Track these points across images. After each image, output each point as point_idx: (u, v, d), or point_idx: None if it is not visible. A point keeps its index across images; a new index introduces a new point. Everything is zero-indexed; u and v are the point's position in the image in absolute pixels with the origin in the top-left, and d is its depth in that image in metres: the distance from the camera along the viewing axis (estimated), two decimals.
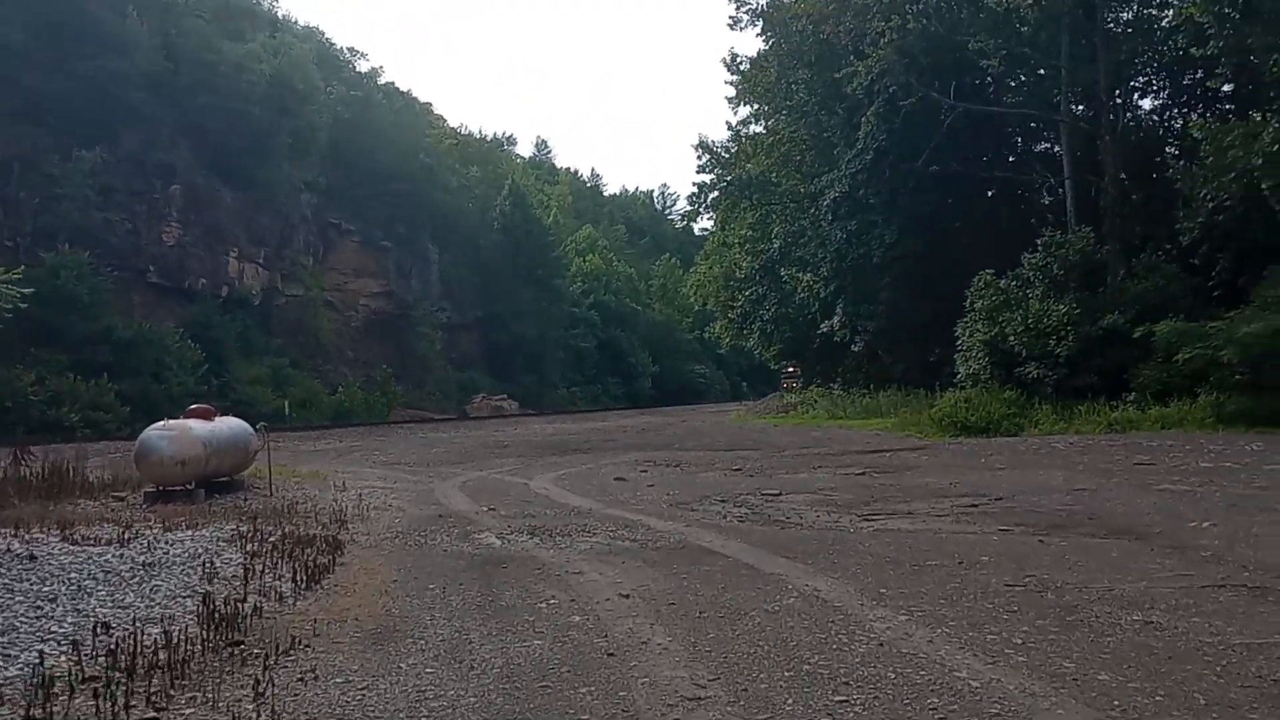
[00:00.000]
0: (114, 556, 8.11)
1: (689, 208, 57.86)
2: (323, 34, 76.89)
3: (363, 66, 78.51)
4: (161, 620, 6.28)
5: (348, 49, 79.95)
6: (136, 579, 7.40)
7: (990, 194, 38.93)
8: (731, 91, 49.38)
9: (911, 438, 24.66)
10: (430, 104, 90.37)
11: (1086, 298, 26.40)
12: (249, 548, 9.00)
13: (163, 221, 48.75)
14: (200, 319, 47.92)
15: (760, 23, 42.69)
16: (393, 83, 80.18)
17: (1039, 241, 28.39)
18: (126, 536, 9.22)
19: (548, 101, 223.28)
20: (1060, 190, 33.61)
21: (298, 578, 7.67)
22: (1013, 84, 37.68)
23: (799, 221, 45.85)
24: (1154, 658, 5.25)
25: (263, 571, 7.98)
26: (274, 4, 71.11)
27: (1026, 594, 6.82)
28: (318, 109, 60.79)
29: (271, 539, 9.53)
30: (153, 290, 48.03)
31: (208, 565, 8.07)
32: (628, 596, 6.98)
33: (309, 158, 59.44)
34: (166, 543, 9.09)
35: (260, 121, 53.03)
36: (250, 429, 15.30)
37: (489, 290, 76.40)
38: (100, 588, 7.01)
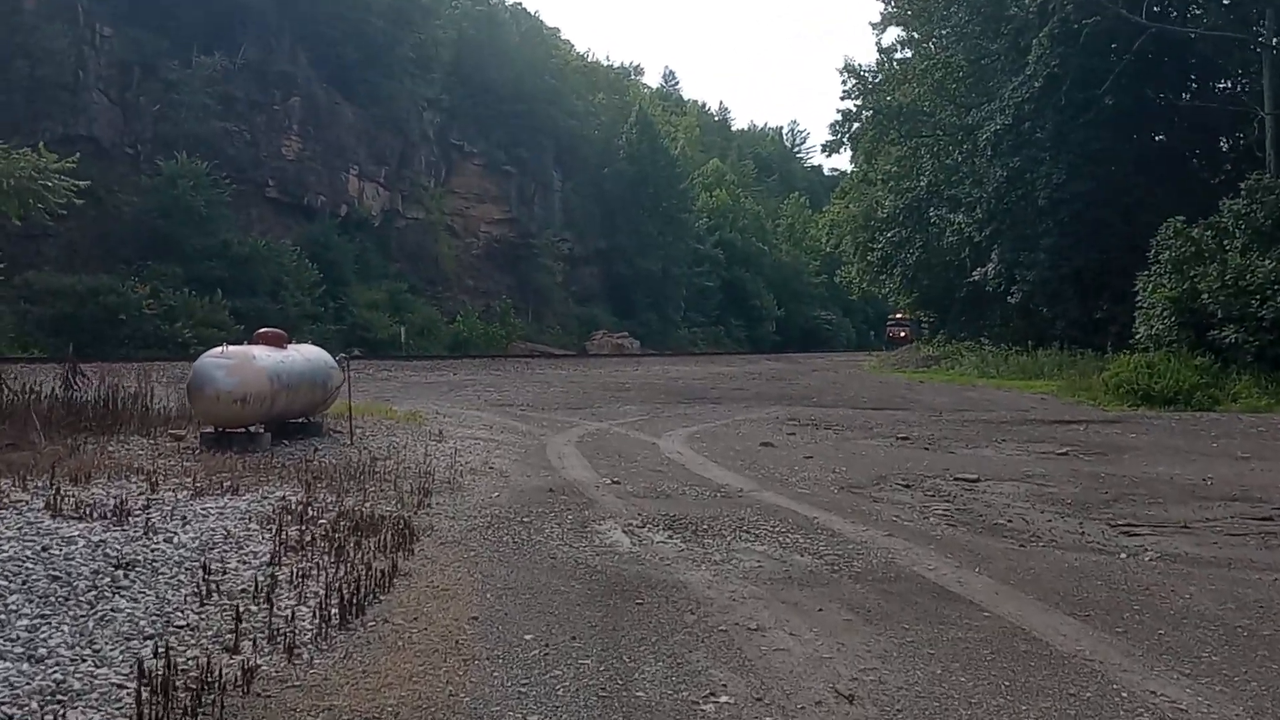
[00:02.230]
0: (88, 545, 5.65)
1: (830, 138, 54.21)
2: None
3: None
4: (74, 697, 3.74)
5: None
6: (93, 593, 4.89)
7: (1170, 131, 34.57)
8: (877, 15, 45.66)
9: (1085, 405, 21.44)
10: (558, 28, 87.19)
11: None
12: (288, 533, 6.52)
13: (282, 134, 46.92)
14: (318, 238, 46.22)
15: None
16: (519, 3, 77.20)
17: (1242, 186, 24.96)
18: (132, 506, 6.84)
19: (675, 32, 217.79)
20: (1256, 128, 29.17)
21: (327, 604, 5.06)
22: (1204, 4, 33.07)
23: (952, 156, 42.43)
24: None
25: (289, 583, 5.47)
26: None
27: None
28: (441, 24, 58.63)
29: (324, 520, 7.06)
30: (270, 205, 46.47)
31: (217, 567, 5.59)
32: (851, 700, 4.14)
33: (431, 74, 57.12)
34: (181, 519, 6.67)
35: (382, 33, 50.86)
36: (331, 359, 12.78)
37: (612, 221, 73.44)
38: (26, 611, 4.53)
